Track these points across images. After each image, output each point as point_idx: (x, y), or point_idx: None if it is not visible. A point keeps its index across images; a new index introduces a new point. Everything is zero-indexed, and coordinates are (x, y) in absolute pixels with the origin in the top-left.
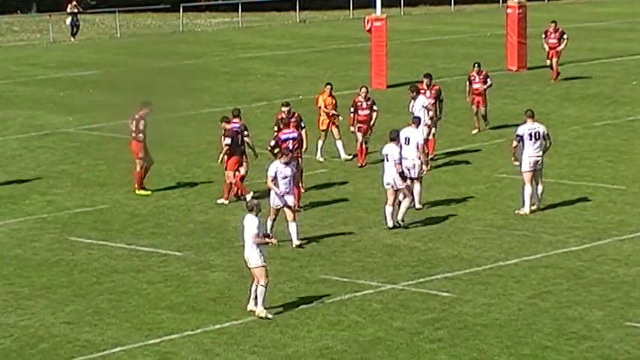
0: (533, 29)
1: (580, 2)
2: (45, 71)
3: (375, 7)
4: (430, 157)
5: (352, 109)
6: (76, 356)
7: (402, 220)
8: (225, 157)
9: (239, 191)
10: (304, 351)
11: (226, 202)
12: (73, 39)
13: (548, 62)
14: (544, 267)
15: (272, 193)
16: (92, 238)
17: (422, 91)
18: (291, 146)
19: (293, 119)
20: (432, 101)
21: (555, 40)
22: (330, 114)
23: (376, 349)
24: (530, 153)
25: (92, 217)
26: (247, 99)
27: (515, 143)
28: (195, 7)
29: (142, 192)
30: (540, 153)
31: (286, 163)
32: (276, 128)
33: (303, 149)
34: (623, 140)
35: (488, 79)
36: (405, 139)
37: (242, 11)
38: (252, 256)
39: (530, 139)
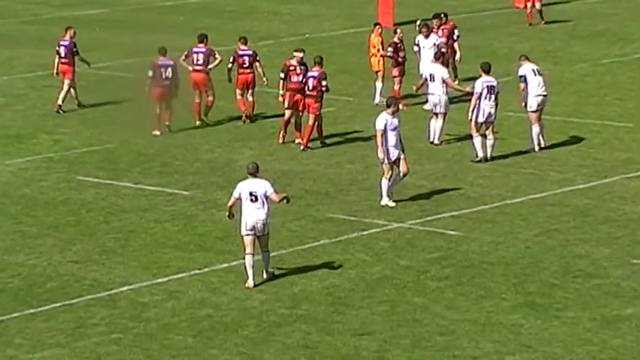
0: None
1: None
2: (50, 10)
3: None
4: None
5: (283, 75)
6: (84, 295)
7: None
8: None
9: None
10: (311, 289)
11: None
12: None
13: (528, 5)
14: (551, 205)
15: (381, 148)
16: (99, 177)
17: (434, 30)
18: (311, 85)
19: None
20: (445, 40)
21: None
22: (383, 54)
23: (383, 288)
24: (536, 92)
25: (99, 156)
26: (253, 37)
27: (522, 86)
28: None
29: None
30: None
31: (393, 113)
32: (282, 75)
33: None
34: (631, 78)
35: None
36: (430, 75)
37: None
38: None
39: (535, 76)
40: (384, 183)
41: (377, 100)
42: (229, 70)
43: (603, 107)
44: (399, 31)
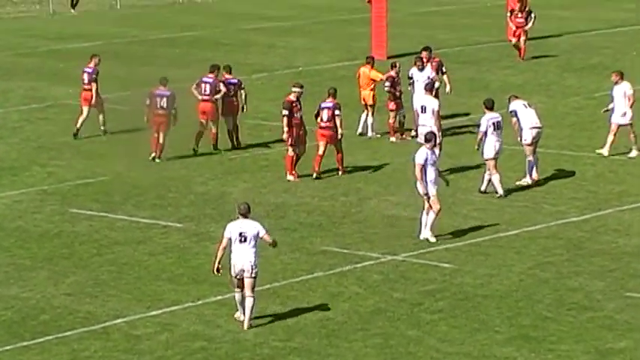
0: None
1: None
2: (46, 43)
3: None
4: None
5: (287, 112)
6: (77, 327)
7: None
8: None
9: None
10: (305, 322)
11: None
12: (73, 10)
13: (513, 40)
14: (544, 238)
15: (421, 182)
16: (93, 209)
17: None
18: (326, 116)
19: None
20: (434, 74)
21: (522, 20)
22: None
23: (377, 320)
24: (531, 124)
25: (93, 188)
26: (248, 70)
27: (514, 120)
28: None
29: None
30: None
31: (432, 148)
32: (286, 112)
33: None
34: None
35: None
36: (422, 107)
37: None
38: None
39: (527, 109)
40: (425, 216)
41: (370, 134)
42: (217, 99)
43: (596, 140)
44: (397, 64)
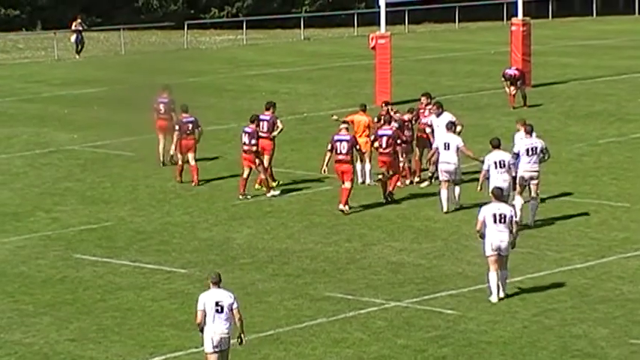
0: (538, 46)
1: (585, 20)
2: (50, 88)
3: (379, 24)
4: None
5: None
6: None
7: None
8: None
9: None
10: None
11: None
12: (77, 56)
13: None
14: (548, 284)
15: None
16: (97, 255)
17: (421, 111)
18: (385, 143)
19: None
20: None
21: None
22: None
23: None
24: (526, 168)
25: (97, 234)
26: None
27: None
28: (200, 24)
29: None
30: (537, 167)
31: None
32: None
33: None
34: (628, 158)
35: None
36: (445, 144)
37: (246, 29)
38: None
39: (528, 155)
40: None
41: (368, 181)
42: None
43: (600, 187)
44: (414, 111)
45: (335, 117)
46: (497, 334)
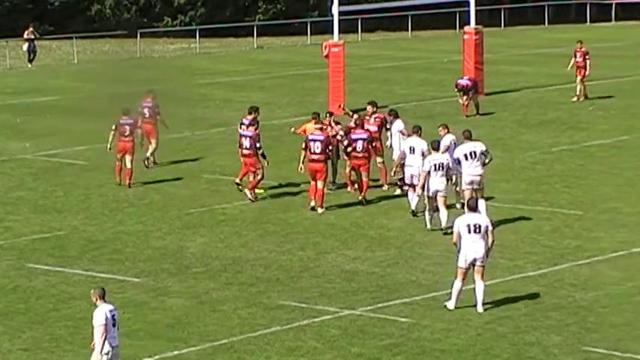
0: (491, 55)
1: (537, 28)
2: (2, 97)
3: (332, 33)
4: (385, 186)
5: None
6: None
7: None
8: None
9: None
10: None
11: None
12: (30, 65)
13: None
14: (502, 292)
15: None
16: (49, 264)
17: (367, 118)
18: (360, 147)
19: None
20: (376, 129)
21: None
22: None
23: None
24: (468, 172)
25: (49, 243)
26: (205, 125)
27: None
28: (153, 33)
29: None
30: (479, 171)
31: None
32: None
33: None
34: (580, 165)
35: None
36: (410, 148)
37: (199, 37)
38: None
39: (467, 159)
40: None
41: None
42: (112, 138)
43: (553, 195)
44: (355, 116)
45: (293, 129)
46: (450, 341)
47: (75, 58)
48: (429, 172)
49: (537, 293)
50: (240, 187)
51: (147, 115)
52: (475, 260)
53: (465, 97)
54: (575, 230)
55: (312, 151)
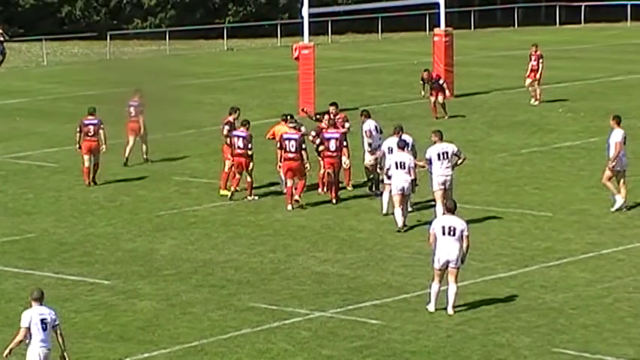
0: (460, 57)
1: (507, 30)
2: None
3: (302, 35)
4: (349, 187)
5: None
6: None
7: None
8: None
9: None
10: None
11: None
12: None
13: (432, 99)
14: (472, 294)
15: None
16: (19, 267)
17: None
18: (333, 146)
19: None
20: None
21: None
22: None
23: None
24: (440, 172)
25: (19, 246)
26: (175, 127)
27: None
28: (123, 35)
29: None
30: (449, 172)
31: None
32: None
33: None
34: (550, 167)
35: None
36: (389, 148)
37: (170, 39)
38: None
39: (439, 159)
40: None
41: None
42: (79, 138)
43: (523, 196)
44: (326, 116)
45: (268, 136)
46: (421, 343)
47: (44, 60)
48: (389, 169)
49: (508, 295)
50: (231, 197)
51: (132, 114)
52: (448, 262)
53: (432, 92)
54: (545, 232)
55: (287, 149)
